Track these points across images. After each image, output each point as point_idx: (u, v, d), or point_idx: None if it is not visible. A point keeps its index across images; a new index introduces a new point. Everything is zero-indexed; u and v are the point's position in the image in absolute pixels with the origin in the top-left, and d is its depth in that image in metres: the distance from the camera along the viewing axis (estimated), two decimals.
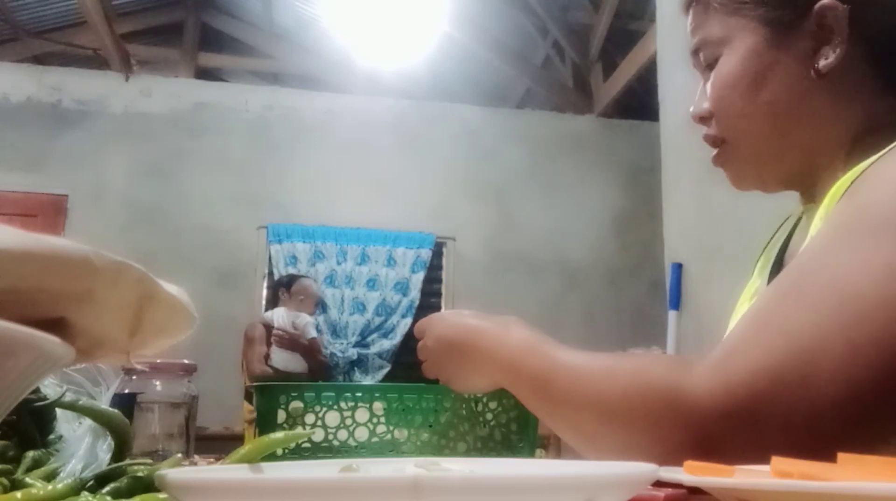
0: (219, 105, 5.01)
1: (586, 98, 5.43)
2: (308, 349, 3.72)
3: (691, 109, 0.73)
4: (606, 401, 0.54)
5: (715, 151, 0.73)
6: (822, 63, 0.64)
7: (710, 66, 0.70)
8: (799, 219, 0.78)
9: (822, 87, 0.64)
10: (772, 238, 0.82)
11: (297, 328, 3.71)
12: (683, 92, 2.41)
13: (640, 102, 4.94)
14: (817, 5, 0.64)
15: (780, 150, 0.68)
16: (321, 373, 3.82)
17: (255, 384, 0.80)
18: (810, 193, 0.70)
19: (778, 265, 0.75)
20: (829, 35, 0.64)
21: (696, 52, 0.72)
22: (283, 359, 3.62)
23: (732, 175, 0.73)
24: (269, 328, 3.72)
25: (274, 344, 3.64)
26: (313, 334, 3.87)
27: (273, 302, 4.03)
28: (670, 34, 2.58)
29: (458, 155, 5.16)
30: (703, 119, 0.72)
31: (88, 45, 4.94)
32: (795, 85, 0.65)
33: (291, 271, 4.71)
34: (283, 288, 3.91)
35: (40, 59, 5.11)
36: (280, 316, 3.75)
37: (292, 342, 3.66)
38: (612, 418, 0.54)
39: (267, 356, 3.64)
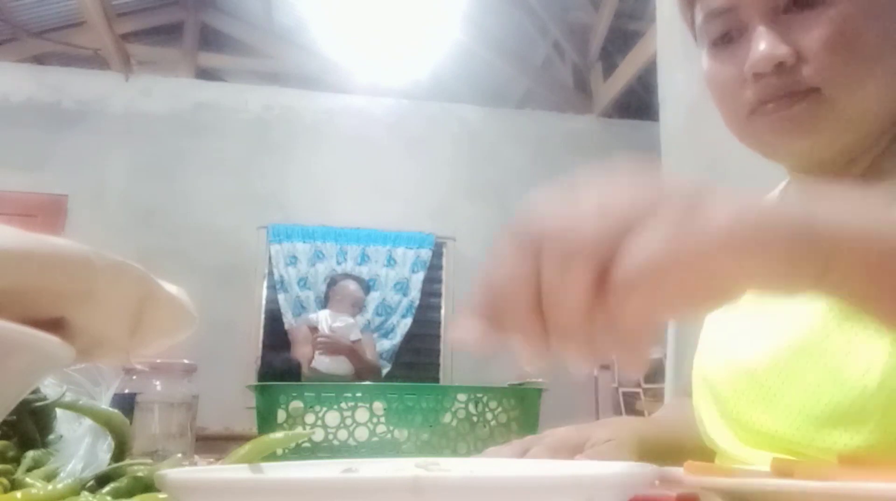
0: (219, 105, 5.01)
1: (586, 98, 5.43)
2: (352, 352, 3.60)
3: (763, 50, 0.59)
4: None
5: (785, 106, 0.60)
6: None
7: (800, 4, 0.60)
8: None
9: None
10: None
11: (334, 331, 3.62)
12: (683, 92, 2.42)
13: (640, 102, 4.94)
14: None
15: (883, 106, 0.60)
16: (369, 375, 3.62)
17: (255, 384, 0.80)
18: (830, 165, 0.64)
19: None
20: None
21: None
22: (326, 362, 3.51)
23: (811, 134, 0.61)
24: (313, 330, 3.64)
25: (317, 349, 3.54)
26: (356, 336, 3.74)
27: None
28: (670, 34, 2.58)
29: (458, 155, 5.16)
30: (781, 65, 0.59)
31: (88, 45, 4.94)
32: None
33: (291, 271, 4.71)
34: (332, 287, 3.82)
35: (40, 60, 5.11)
36: (325, 319, 3.65)
37: (334, 346, 3.55)
38: None
39: (311, 359, 3.54)
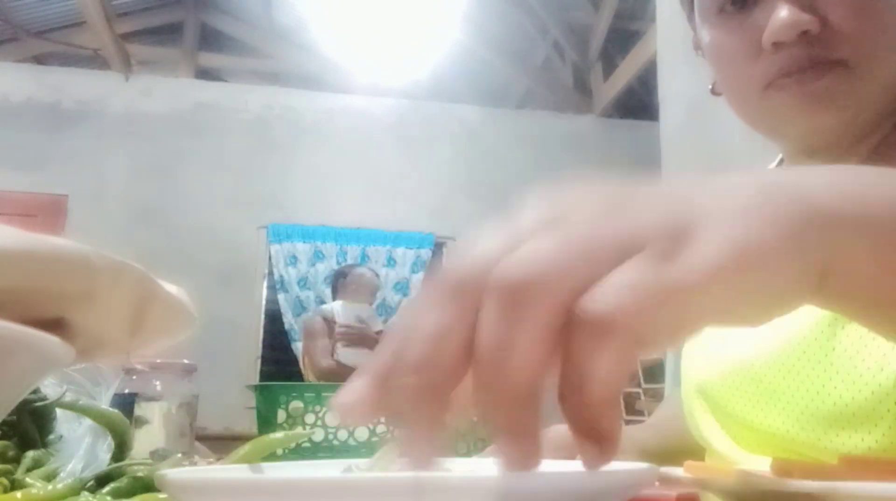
0: (219, 105, 5.01)
1: (586, 98, 5.43)
2: (377, 344, 3.51)
3: (785, 17, 0.55)
4: None
5: (811, 78, 0.56)
6: None
7: None
8: None
9: None
10: None
11: (362, 322, 3.52)
12: (683, 92, 2.42)
13: (640, 102, 4.94)
14: None
15: None
16: None
17: (257, 384, 0.80)
18: (842, 143, 0.60)
19: None
20: None
21: None
22: (351, 355, 3.42)
23: (838, 109, 0.57)
24: (329, 322, 3.56)
25: (339, 341, 3.45)
26: (379, 327, 3.60)
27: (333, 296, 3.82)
28: (670, 34, 2.58)
29: (458, 155, 5.16)
30: (805, 34, 0.55)
31: (88, 45, 4.94)
32: None
33: (291, 271, 4.71)
34: (341, 279, 3.75)
35: (40, 60, 5.11)
36: (341, 310, 3.56)
37: (360, 338, 3.43)
38: None
39: (332, 351, 3.45)
